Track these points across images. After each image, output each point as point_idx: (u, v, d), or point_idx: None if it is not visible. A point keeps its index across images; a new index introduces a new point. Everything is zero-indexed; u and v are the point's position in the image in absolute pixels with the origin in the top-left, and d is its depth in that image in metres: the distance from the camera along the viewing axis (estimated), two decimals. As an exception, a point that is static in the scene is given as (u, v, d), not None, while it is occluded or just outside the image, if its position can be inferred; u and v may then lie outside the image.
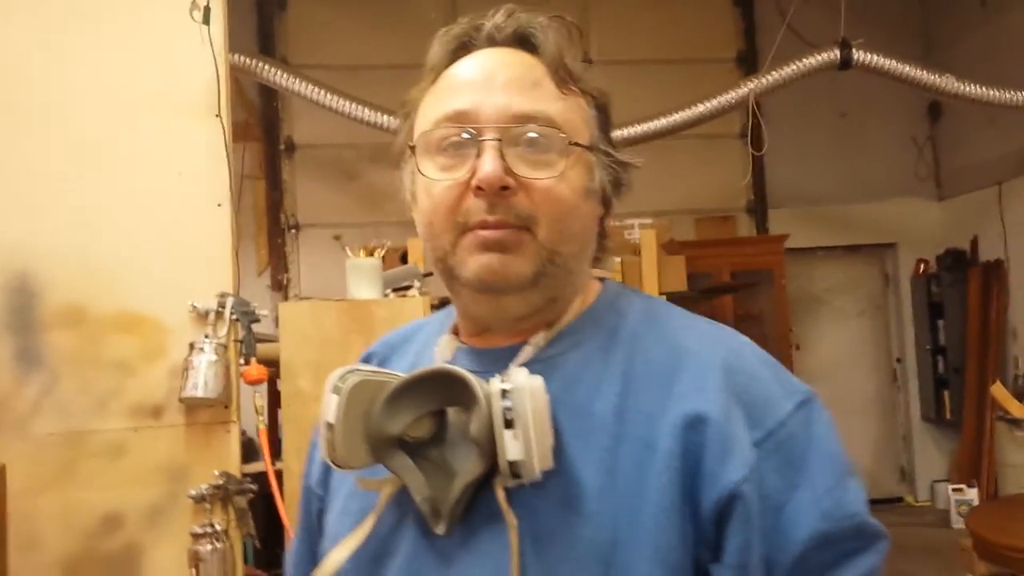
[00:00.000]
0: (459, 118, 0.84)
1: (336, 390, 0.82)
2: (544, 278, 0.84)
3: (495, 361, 0.86)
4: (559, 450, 0.80)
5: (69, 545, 2.22)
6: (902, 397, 7.43)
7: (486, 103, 0.84)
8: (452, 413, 0.85)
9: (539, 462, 0.76)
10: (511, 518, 0.78)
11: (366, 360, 1.00)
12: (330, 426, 0.81)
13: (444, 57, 0.89)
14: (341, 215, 6.30)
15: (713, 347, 0.86)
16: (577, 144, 0.86)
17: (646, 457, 0.80)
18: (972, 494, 6.01)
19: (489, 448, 0.78)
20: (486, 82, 0.85)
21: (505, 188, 0.82)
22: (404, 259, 3.55)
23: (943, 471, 7.13)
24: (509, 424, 0.76)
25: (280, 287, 6.39)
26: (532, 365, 0.85)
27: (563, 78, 0.87)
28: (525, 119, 0.83)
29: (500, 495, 0.79)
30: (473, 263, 0.83)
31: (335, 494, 0.96)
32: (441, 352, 0.93)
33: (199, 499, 2.22)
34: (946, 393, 7.01)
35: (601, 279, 0.96)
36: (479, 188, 0.81)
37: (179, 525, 2.24)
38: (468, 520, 0.82)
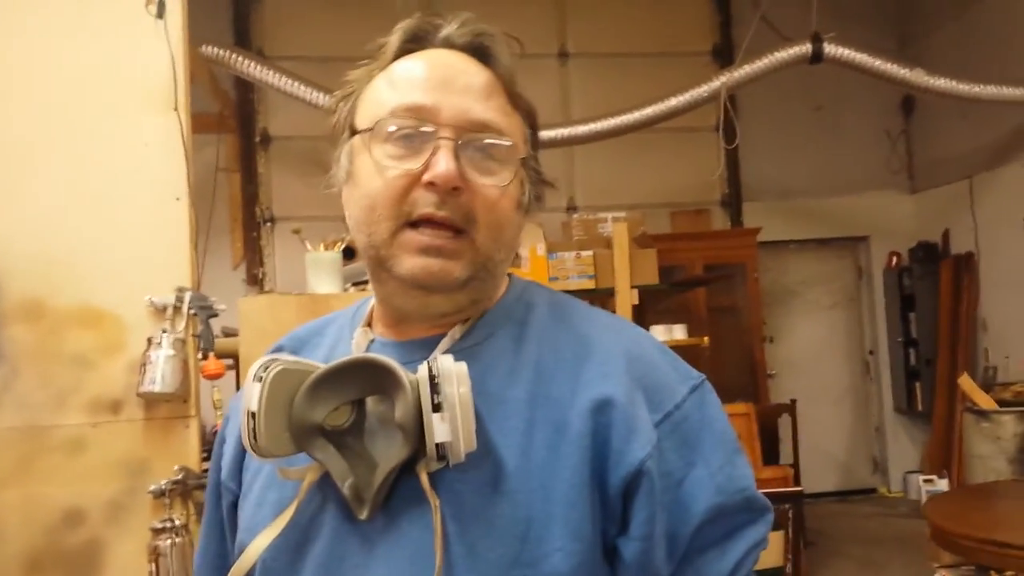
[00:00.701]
0: (418, 112, 0.86)
1: (258, 379, 0.83)
2: (474, 281, 0.88)
3: (412, 352, 0.90)
4: (478, 434, 0.83)
5: (31, 539, 2.23)
6: (875, 389, 7.49)
7: (446, 103, 0.86)
8: (370, 402, 0.88)
9: (464, 444, 0.80)
10: (434, 499, 0.81)
11: (276, 352, 1.01)
12: (252, 415, 0.83)
13: (397, 48, 0.92)
14: (315, 208, 6.30)
15: (616, 337, 0.92)
16: (519, 159, 0.91)
17: (557, 439, 0.85)
18: (943, 484, 6.06)
19: (415, 432, 0.81)
20: (446, 83, 0.88)
21: (456, 188, 0.85)
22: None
23: (915, 462, 7.20)
24: (437, 408, 0.79)
25: (256, 280, 6.37)
26: (451, 355, 0.87)
27: (512, 94, 0.92)
28: (480, 127, 0.87)
29: (424, 478, 0.82)
30: (410, 262, 0.86)
31: (249, 487, 0.97)
32: (357, 344, 0.96)
33: (159, 494, 2.23)
34: (918, 385, 7.07)
35: (508, 275, 1.00)
36: (431, 183, 0.84)
37: (139, 520, 2.25)
38: (389, 505, 0.85)
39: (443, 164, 0.84)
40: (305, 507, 0.88)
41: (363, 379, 0.85)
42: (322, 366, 0.86)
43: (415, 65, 0.90)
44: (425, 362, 0.82)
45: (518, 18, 5.93)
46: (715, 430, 0.90)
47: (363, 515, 0.84)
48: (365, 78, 0.93)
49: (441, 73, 0.88)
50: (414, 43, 0.91)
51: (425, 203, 0.85)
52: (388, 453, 0.84)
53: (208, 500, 1.06)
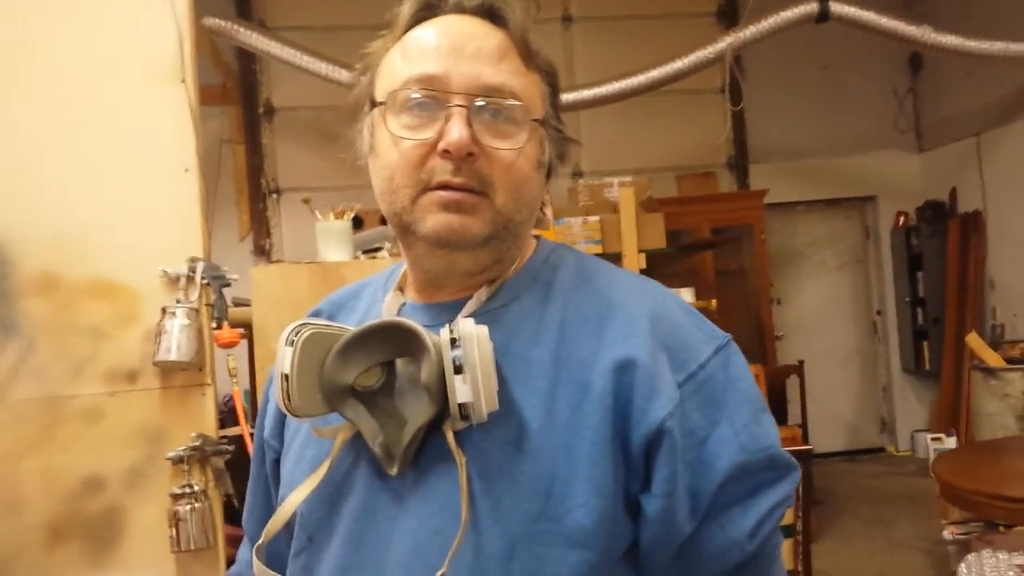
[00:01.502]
0: (429, 82, 0.88)
1: (290, 343, 0.87)
2: (495, 240, 0.90)
3: (440, 315, 0.93)
4: (503, 394, 0.86)
5: (52, 507, 2.27)
6: (882, 349, 7.51)
7: (456, 71, 0.88)
8: (400, 363, 0.91)
9: (486, 404, 0.82)
10: (459, 456, 0.85)
11: (314, 316, 1.05)
12: (285, 377, 0.87)
13: (409, 17, 0.93)
14: (321, 178, 6.32)
15: (640, 298, 0.94)
16: (535, 120, 0.92)
17: (581, 398, 0.87)
18: (951, 443, 6.10)
19: (439, 393, 0.84)
20: (456, 50, 0.89)
21: (471, 154, 0.87)
22: (384, 221, 3.57)
23: (923, 421, 7.23)
24: (458, 370, 0.82)
25: (263, 252, 6.39)
26: (476, 317, 0.90)
27: (526, 54, 0.92)
28: (493, 91, 0.89)
29: (449, 436, 0.85)
30: (432, 220, 0.88)
31: (290, 444, 1.02)
32: (388, 308, 0.99)
33: (177, 461, 2.26)
34: (925, 344, 7.09)
35: (536, 237, 1.02)
36: (446, 151, 0.86)
37: (158, 486, 2.28)
38: (418, 462, 0.88)
39: (456, 132, 0.86)
40: (339, 463, 0.92)
41: (391, 342, 0.88)
42: (351, 330, 0.89)
43: (426, 34, 0.91)
44: (447, 325, 0.85)
45: (521, -17, 5.89)
46: (740, 389, 0.91)
47: (393, 471, 0.88)
48: (381, 50, 0.95)
49: (451, 41, 0.89)
50: (426, 11, 0.92)
51: (442, 171, 0.87)
52: (416, 412, 0.87)
53: (254, 457, 1.12)
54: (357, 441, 0.91)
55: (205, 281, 2.28)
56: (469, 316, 0.92)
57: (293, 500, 0.92)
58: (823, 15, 5.44)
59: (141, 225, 2.32)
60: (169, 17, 2.34)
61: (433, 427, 0.87)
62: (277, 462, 1.04)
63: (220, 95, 6.03)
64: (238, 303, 2.73)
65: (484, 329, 0.84)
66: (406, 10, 0.93)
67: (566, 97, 5.49)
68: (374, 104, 0.93)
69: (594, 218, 4.61)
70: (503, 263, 0.95)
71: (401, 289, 1.01)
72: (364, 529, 0.90)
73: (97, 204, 2.31)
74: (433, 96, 0.88)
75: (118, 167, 2.33)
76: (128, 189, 2.32)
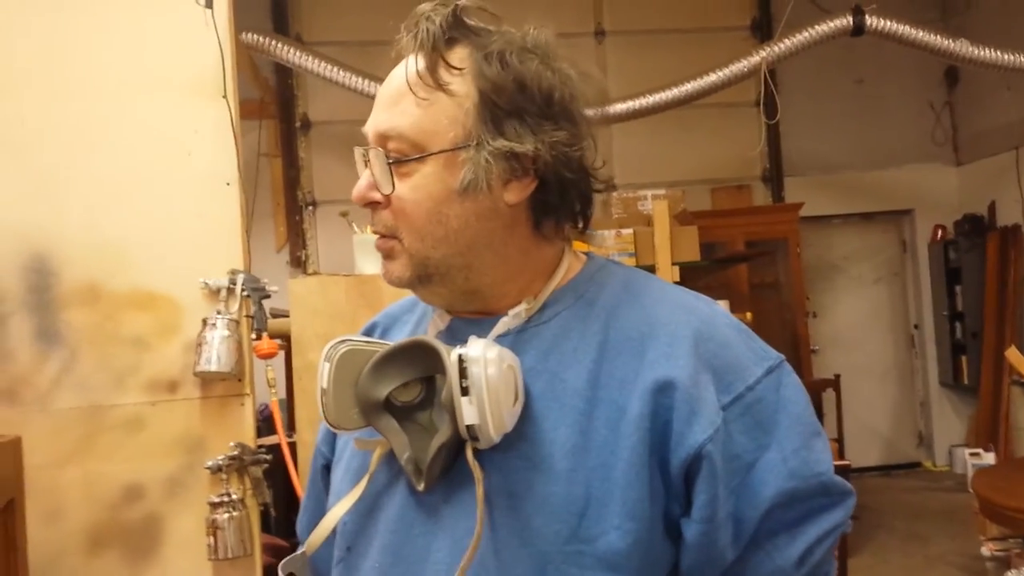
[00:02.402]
0: (366, 135, 0.93)
1: (328, 358, 0.91)
2: (435, 277, 0.92)
3: (484, 330, 0.92)
4: (532, 414, 0.86)
5: (92, 515, 2.30)
6: (920, 363, 7.43)
7: (369, 122, 0.93)
8: (439, 379, 0.91)
9: (494, 427, 0.82)
10: (478, 471, 0.85)
11: (370, 330, 1.10)
12: (323, 391, 0.91)
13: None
14: (357, 191, 6.38)
15: (686, 317, 0.92)
16: (429, 153, 0.88)
17: (618, 419, 0.86)
18: (989, 458, 6.01)
19: (454, 413, 0.84)
20: (378, 99, 0.93)
21: (376, 202, 0.91)
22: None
23: (961, 436, 7.13)
24: (465, 391, 0.82)
25: (299, 263, 6.46)
26: (513, 335, 0.91)
27: (425, 83, 0.88)
28: (383, 138, 0.90)
29: (469, 454, 0.86)
30: (383, 266, 0.95)
31: (340, 454, 1.05)
32: (434, 323, 0.99)
33: (216, 470, 2.29)
34: (964, 358, 7.00)
35: (587, 253, 1.02)
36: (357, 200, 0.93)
37: (197, 495, 2.31)
38: (450, 478, 0.89)
39: (357, 184, 0.92)
40: (379, 476, 0.94)
41: (421, 359, 0.90)
42: (388, 346, 0.92)
43: (383, 85, 0.95)
44: (458, 346, 0.85)
45: (555, -3, 5.93)
46: (791, 412, 0.89)
47: (420, 487, 0.88)
48: None
49: (388, 85, 0.93)
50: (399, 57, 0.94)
51: (372, 217, 0.94)
52: (441, 429, 0.88)
53: (312, 466, 1.15)
54: (395, 455, 0.93)
55: (245, 293, 2.31)
56: (505, 333, 0.92)
57: (335, 513, 0.94)
58: (858, 29, 5.42)
59: (183, 237, 2.36)
60: (211, 33, 2.38)
61: (461, 445, 0.87)
62: (327, 468, 1.08)
63: (258, 109, 6.11)
64: (275, 314, 2.76)
65: (495, 350, 0.83)
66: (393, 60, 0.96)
67: (599, 110, 5.49)
68: None
69: (628, 231, 4.61)
70: (480, 291, 0.94)
71: None
72: (400, 542, 0.91)
73: (139, 216, 2.36)
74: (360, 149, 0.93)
75: (160, 180, 2.37)
76: (170, 202, 2.36)
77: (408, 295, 1.10)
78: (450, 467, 0.89)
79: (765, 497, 0.86)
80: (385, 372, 0.90)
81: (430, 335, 0.95)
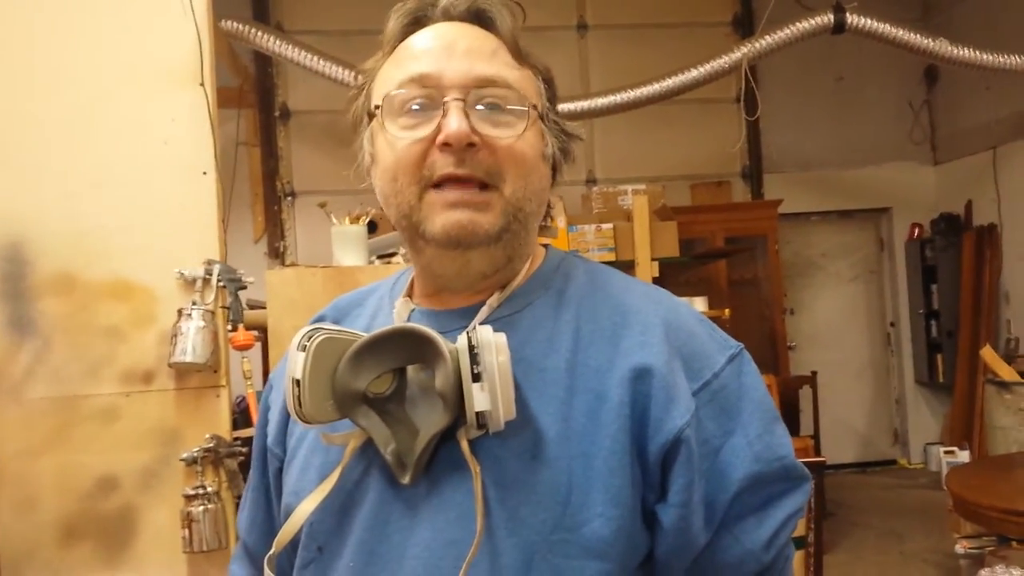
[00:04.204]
0: (422, 80, 0.88)
1: (302, 348, 0.86)
2: (507, 234, 0.89)
3: (451, 321, 0.92)
4: (518, 402, 0.85)
5: (66, 506, 2.28)
6: (895, 361, 7.49)
7: (448, 67, 0.88)
8: (411, 371, 0.89)
9: (504, 413, 0.81)
10: (474, 465, 0.83)
11: (318, 321, 1.02)
12: (297, 382, 0.85)
13: (399, 31, 0.93)
14: (336, 182, 6.33)
15: (654, 306, 0.94)
16: (534, 108, 0.91)
17: (597, 407, 0.86)
18: (964, 456, 6.07)
19: (455, 401, 0.83)
20: (447, 49, 0.89)
21: (471, 145, 0.86)
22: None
23: (936, 434, 7.20)
24: (477, 377, 0.81)
25: (277, 254, 6.42)
26: (488, 324, 0.89)
27: (517, 52, 0.92)
28: (487, 82, 0.88)
29: (464, 445, 0.84)
30: (441, 219, 0.87)
31: (294, 452, 0.99)
32: (398, 314, 0.97)
33: (191, 462, 2.27)
34: (939, 357, 7.06)
35: (545, 245, 1.01)
36: (446, 144, 0.85)
37: (172, 487, 2.29)
38: (431, 471, 0.87)
39: (454, 123, 0.85)
40: (350, 472, 0.91)
41: (404, 348, 0.87)
42: (364, 335, 0.88)
43: (417, 41, 0.91)
44: (465, 332, 0.84)
45: (537, -10, 5.92)
46: (753, 399, 0.91)
47: (405, 480, 0.86)
48: (375, 67, 0.95)
49: (442, 41, 0.89)
50: (415, 24, 0.92)
51: (444, 164, 0.86)
52: (429, 420, 0.86)
53: (254, 466, 1.09)
54: (368, 449, 0.90)
55: (221, 284, 2.29)
56: (482, 323, 0.91)
57: (304, 509, 0.89)
58: (839, 26, 5.44)
59: (158, 227, 2.34)
60: (188, 20, 2.35)
61: (446, 435, 0.86)
62: (280, 471, 1.02)
63: (236, 98, 6.06)
64: (252, 305, 2.74)
65: (502, 337, 0.83)
66: (394, 24, 0.93)
67: (581, 105, 5.50)
68: (371, 115, 0.93)
69: (607, 226, 4.61)
70: (514, 263, 0.94)
71: (410, 295, 1.00)
72: (376, 539, 0.88)
73: (115, 205, 2.33)
74: (427, 94, 0.87)
75: (136, 169, 2.34)
76: (146, 191, 2.34)
77: (355, 289, 1.09)
78: (431, 460, 0.88)
79: (734, 480, 0.88)
80: (364, 362, 0.87)
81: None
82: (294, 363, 0.86)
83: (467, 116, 0.86)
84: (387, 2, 0.96)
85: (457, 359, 0.83)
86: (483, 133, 0.87)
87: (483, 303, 0.93)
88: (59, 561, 2.26)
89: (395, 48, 0.93)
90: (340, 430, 0.91)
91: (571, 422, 0.86)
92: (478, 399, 0.81)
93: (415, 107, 0.88)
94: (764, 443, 0.89)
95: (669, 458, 0.86)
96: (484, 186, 0.87)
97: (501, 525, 0.84)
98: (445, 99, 0.86)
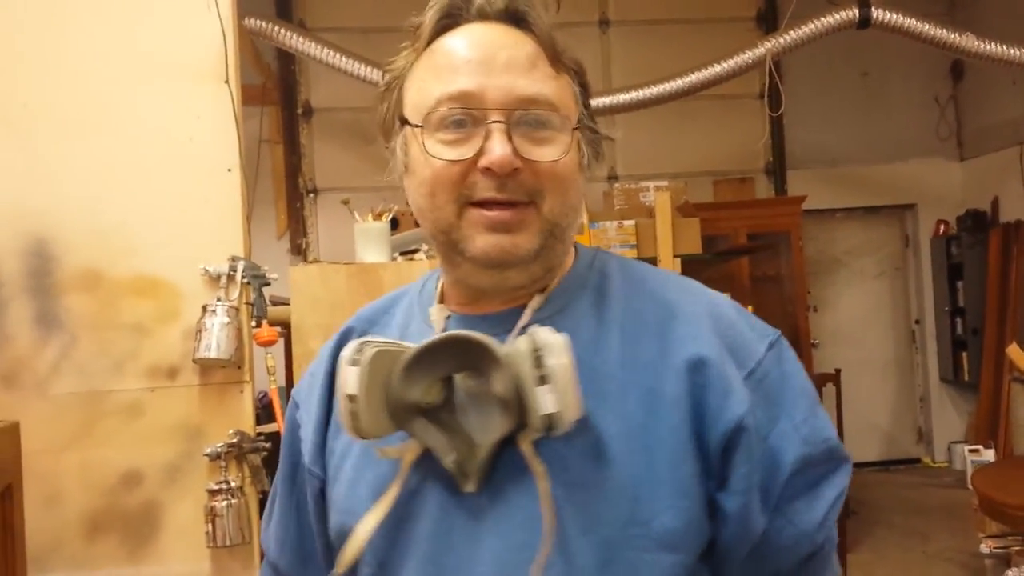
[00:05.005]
0: (465, 99, 0.86)
1: (354, 362, 0.84)
2: (545, 251, 0.89)
3: (491, 327, 0.90)
4: None
5: (91, 501, 2.30)
6: (920, 358, 7.42)
7: (490, 84, 0.86)
8: (458, 378, 0.88)
9: (571, 413, 0.81)
10: (539, 466, 0.83)
11: (346, 335, 1.02)
12: (352, 398, 0.83)
13: (431, 29, 0.91)
14: (358, 179, 6.35)
15: (695, 299, 0.95)
16: (573, 126, 0.90)
17: (652, 401, 0.87)
18: (989, 455, 6.01)
19: (517, 405, 0.82)
20: (487, 62, 0.87)
21: (515, 169, 0.85)
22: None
23: (961, 433, 7.13)
24: (542, 380, 0.80)
25: (299, 251, 6.44)
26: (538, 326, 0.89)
27: (555, 57, 0.90)
28: (529, 102, 0.86)
29: (528, 448, 0.84)
30: (481, 241, 0.86)
31: (337, 469, 0.97)
32: (435, 322, 0.96)
33: (215, 457, 2.29)
34: (964, 355, 6.99)
35: (574, 244, 1.00)
36: (488, 169, 0.84)
37: (196, 482, 2.31)
38: (492, 477, 0.86)
39: (498, 149, 0.84)
40: (405, 484, 0.89)
41: (455, 356, 0.86)
42: (412, 346, 0.86)
43: (454, 47, 0.89)
44: (525, 335, 0.84)
45: (559, -14, 5.90)
46: (795, 384, 0.93)
47: (469, 488, 0.85)
48: (406, 65, 0.92)
49: (481, 53, 0.87)
50: (449, 19, 0.90)
51: (485, 188, 0.85)
52: (487, 426, 0.85)
53: (283, 483, 1.07)
54: (423, 460, 0.88)
55: (245, 280, 2.30)
56: (527, 324, 0.90)
57: (366, 527, 0.87)
58: (864, 21, 5.39)
59: (183, 223, 2.35)
60: (213, 18, 2.36)
61: (505, 440, 0.86)
62: (322, 492, 0.99)
63: (260, 95, 6.09)
64: (275, 302, 2.75)
65: (564, 337, 0.82)
66: (428, 21, 0.91)
67: (603, 101, 5.48)
68: (404, 122, 0.91)
69: (629, 222, 4.59)
70: (552, 271, 0.94)
71: (442, 301, 0.98)
72: (442, 551, 0.87)
73: (140, 202, 2.35)
74: (470, 114, 0.86)
75: (161, 166, 2.36)
76: (171, 188, 2.36)
77: (380, 298, 1.07)
78: (491, 466, 0.87)
79: (785, 464, 0.89)
80: (415, 373, 0.86)
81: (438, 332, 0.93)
82: (346, 379, 0.84)
83: (510, 139, 0.85)
84: (408, 1, 0.95)
85: (515, 363, 0.82)
86: (525, 156, 0.86)
87: (521, 307, 0.92)
88: (84, 555, 2.29)
89: (427, 46, 0.91)
90: (391, 443, 0.90)
91: (628, 418, 0.87)
92: (546, 402, 0.80)
93: (455, 124, 0.86)
94: (810, 426, 0.91)
95: (730, 446, 0.86)
96: (523, 203, 0.87)
97: (573, 524, 0.84)
98: (488, 121, 0.85)
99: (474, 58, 0.87)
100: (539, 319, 0.91)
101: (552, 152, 0.87)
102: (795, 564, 0.91)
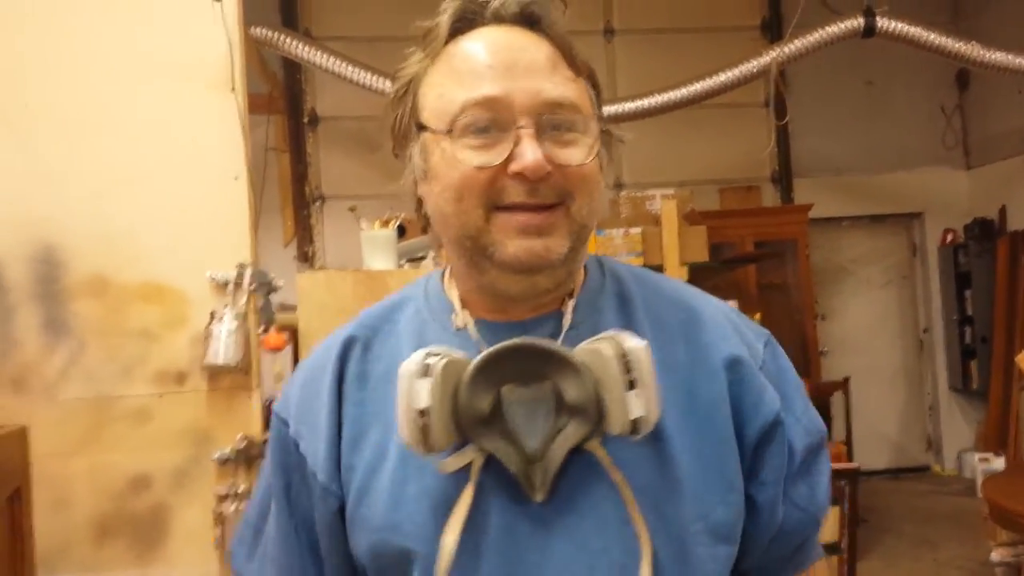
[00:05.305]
0: (491, 104, 0.84)
1: (425, 374, 0.81)
2: (572, 253, 0.88)
3: (521, 334, 0.88)
4: None
5: (99, 505, 2.31)
6: (928, 367, 7.40)
7: (516, 88, 0.84)
8: (507, 388, 0.86)
9: (654, 416, 0.83)
10: (617, 474, 0.84)
11: (349, 343, 0.96)
12: (423, 412, 0.81)
13: (446, 32, 0.89)
14: (364, 187, 6.37)
15: (709, 302, 0.99)
16: (597, 127, 0.90)
17: (693, 402, 0.90)
18: (999, 463, 5.99)
19: (595, 411, 0.82)
20: (510, 67, 0.85)
21: (547, 174, 0.84)
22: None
23: (970, 441, 7.10)
24: (631, 385, 0.81)
25: (306, 258, 6.46)
26: (568, 333, 0.90)
27: (571, 60, 0.89)
28: (555, 106, 0.85)
29: (604, 455, 0.84)
30: (512, 246, 0.85)
31: (365, 486, 0.91)
32: (468, 330, 0.93)
33: (223, 462, 2.29)
34: (973, 363, 6.97)
35: None
36: (519, 175, 0.83)
37: (204, 487, 2.31)
38: (558, 484, 0.86)
39: (530, 154, 0.83)
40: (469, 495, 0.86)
41: (515, 364, 0.84)
42: (458, 355, 0.84)
43: (473, 52, 0.87)
44: (607, 340, 0.83)
45: (565, -5, 5.91)
46: (791, 379, 0.97)
47: (539, 496, 0.84)
48: (420, 70, 0.90)
49: (503, 57, 0.86)
50: (463, 23, 0.88)
51: (515, 193, 0.84)
52: (535, 432, 0.84)
53: (278, 513, 0.98)
54: (484, 470, 0.86)
55: (253, 287, 2.31)
56: (565, 333, 0.90)
57: (449, 545, 0.83)
58: (869, 30, 5.39)
59: (190, 230, 2.36)
60: (219, 27, 2.38)
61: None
62: (342, 511, 0.92)
63: (266, 104, 6.10)
64: (284, 308, 2.76)
65: (646, 343, 0.83)
66: (442, 25, 0.89)
67: (608, 110, 5.49)
68: (423, 128, 0.89)
69: (636, 230, 4.59)
70: (573, 276, 0.93)
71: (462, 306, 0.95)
72: (511, 562, 0.85)
73: (147, 209, 2.36)
74: (495, 117, 0.84)
75: (168, 173, 2.37)
76: (178, 195, 2.37)
77: (377, 305, 1.02)
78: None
79: (796, 454, 0.94)
80: (480, 382, 0.84)
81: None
82: (417, 392, 0.81)
83: (540, 144, 0.84)
84: (414, 8, 0.94)
85: (596, 368, 0.82)
86: (554, 159, 0.85)
87: (551, 314, 0.92)
88: (93, 558, 2.29)
89: (442, 50, 0.89)
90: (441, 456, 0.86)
91: (676, 419, 0.89)
92: (635, 406, 0.81)
93: (482, 130, 0.85)
94: (808, 417, 0.96)
95: (765, 440, 0.91)
96: (553, 205, 0.86)
97: (650, 525, 0.84)
98: (518, 127, 0.84)
99: (496, 63, 0.86)
100: (575, 324, 0.91)
101: (579, 155, 0.86)
102: (796, 547, 0.96)
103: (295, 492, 0.95)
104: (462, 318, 0.93)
